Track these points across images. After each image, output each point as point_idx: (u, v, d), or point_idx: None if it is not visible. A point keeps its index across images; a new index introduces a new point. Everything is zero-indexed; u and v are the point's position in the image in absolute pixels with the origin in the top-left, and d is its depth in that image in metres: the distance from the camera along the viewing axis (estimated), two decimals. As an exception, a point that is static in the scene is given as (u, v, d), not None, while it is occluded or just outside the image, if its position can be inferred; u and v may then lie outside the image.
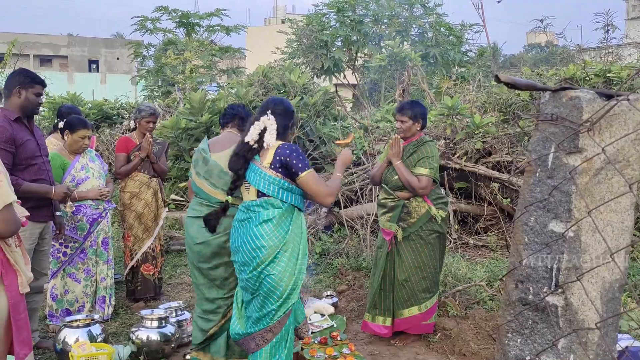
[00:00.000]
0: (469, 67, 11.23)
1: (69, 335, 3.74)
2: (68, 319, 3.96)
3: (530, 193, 2.02)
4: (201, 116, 7.73)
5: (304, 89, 8.32)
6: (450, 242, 6.36)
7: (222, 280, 3.47)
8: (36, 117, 10.18)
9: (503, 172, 6.56)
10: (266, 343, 3.05)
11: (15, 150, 3.53)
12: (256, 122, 3.07)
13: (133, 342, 3.87)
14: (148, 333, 3.86)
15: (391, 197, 4.18)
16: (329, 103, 8.64)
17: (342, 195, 6.89)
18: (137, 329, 3.93)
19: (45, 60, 41.77)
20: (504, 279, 2.72)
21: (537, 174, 2.00)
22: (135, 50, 15.35)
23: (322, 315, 4.62)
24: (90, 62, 42.43)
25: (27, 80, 3.67)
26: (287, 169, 2.98)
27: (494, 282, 4.95)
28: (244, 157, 3.05)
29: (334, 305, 4.87)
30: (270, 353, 3.05)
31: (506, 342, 2.05)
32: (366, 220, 6.38)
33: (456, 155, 6.70)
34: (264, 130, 3.05)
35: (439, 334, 4.27)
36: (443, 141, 6.90)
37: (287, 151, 2.97)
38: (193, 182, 3.59)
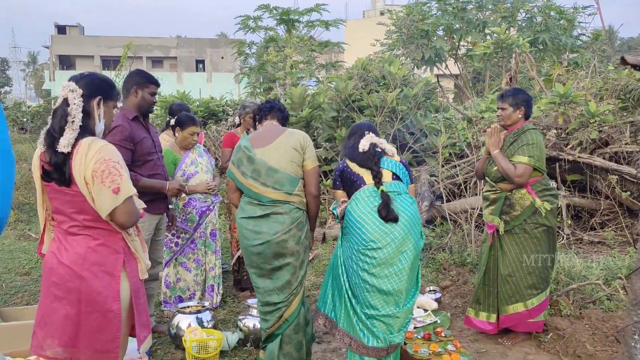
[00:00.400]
0: (582, 52, 10.53)
1: (182, 321, 3.94)
2: (181, 305, 4.17)
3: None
4: (301, 111, 7.84)
5: (404, 81, 8.19)
6: (563, 238, 6.01)
7: (284, 283, 3.30)
8: (150, 115, 10.85)
9: (622, 164, 6.09)
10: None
11: (133, 148, 3.72)
12: (362, 140, 3.40)
13: (240, 330, 4.00)
14: (254, 321, 3.97)
15: (493, 189, 4.02)
16: (430, 94, 8.46)
17: (444, 188, 6.73)
18: (244, 317, 4.07)
19: (156, 62, 44.40)
20: (628, 277, 2.52)
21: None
22: (238, 49, 15.87)
23: (425, 310, 4.53)
24: (197, 62, 44.56)
25: (143, 80, 3.87)
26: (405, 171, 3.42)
27: (611, 281, 4.60)
28: (373, 155, 3.34)
29: (437, 300, 4.76)
30: None
31: (632, 344, 1.89)
32: (470, 214, 6.18)
33: (569, 146, 6.31)
34: (372, 144, 3.39)
35: (551, 334, 4.05)
36: (554, 131, 6.52)
37: (406, 164, 3.47)
38: (237, 182, 3.37)
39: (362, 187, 3.26)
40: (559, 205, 5.02)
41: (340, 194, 3.39)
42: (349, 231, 3.25)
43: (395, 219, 3.13)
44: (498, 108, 4.04)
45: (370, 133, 3.44)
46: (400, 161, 3.42)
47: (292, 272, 3.30)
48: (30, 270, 5.85)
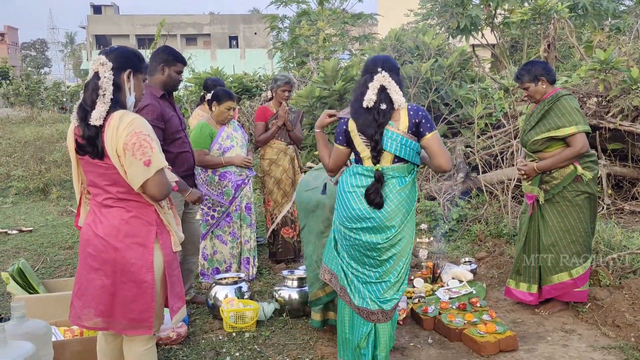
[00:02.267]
0: (625, 17, 10.11)
1: (220, 292, 4.03)
2: (218, 276, 4.26)
3: None
4: (334, 84, 7.79)
5: (438, 51, 8.05)
6: (603, 208, 5.88)
7: None
8: (184, 92, 10.93)
9: (666, 131, 5.88)
10: (388, 319, 3.08)
11: (164, 126, 3.70)
12: (370, 83, 2.94)
13: (276, 300, 4.07)
14: (290, 292, 4.03)
15: (531, 159, 3.95)
16: (465, 64, 8.29)
17: (480, 159, 6.63)
18: (279, 288, 4.13)
19: (190, 40, 44.70)
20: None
21: None
22: (271, 24, 15.80)
23: (460, 281, 4.51)
24: (231, 38, 44.68)
25: (170, 57, 3.79)
26: (417, 129, 2.94)
27: (653, 251, 4.49)
28: (375, 121, 2.91)
29: (473, 272, 4.74)
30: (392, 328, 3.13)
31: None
32: (507, 185, 6.08)
33: (610, 114, 6.12)
34: (382, 89, 2.92)
35: (589, 304, 4.00)
36: (595, 99, 6.33)
37: (420, 112, 2.94)
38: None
39: (359, 164, 3.04)
40: (599, 174, 4.90)
41: (342, 151, 3.08)
42: (337, 199, 3.11)
43: (378, 206, 2.93)
44: (521, 88, 3.96)
45: (382, 72, 2.93)
46: (410, 122, 2.92)
47: None
48: (73, 244, 6.04)
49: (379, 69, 2.94)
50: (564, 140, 3.78)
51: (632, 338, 3.57)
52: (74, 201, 8.14)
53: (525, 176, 3.98)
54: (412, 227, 3.10)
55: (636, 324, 3.67)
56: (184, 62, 3.88)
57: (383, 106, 2.91)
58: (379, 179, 2.93)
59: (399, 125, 2.94)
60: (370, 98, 2.91)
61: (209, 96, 4.75)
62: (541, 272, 3.98)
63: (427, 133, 2.92)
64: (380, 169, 2.95)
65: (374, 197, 2.92)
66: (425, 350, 3.57)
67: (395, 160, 2.96)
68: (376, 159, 2.95)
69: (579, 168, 3.77)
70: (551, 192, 3.85)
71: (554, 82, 3.94)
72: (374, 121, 2.91)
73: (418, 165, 3.07)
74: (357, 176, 3.02)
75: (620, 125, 6.00)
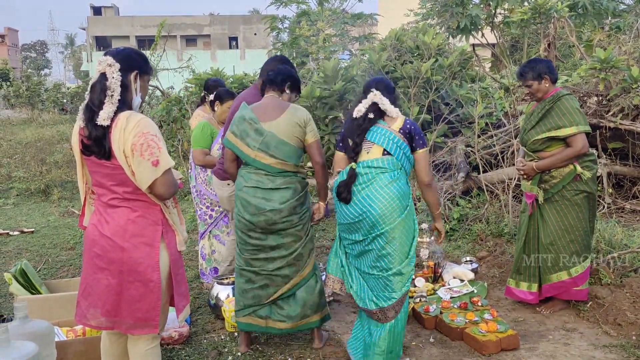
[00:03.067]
0: (625, 15, 10.11)
1: (221, 292, 4.04)
2: (219, 276, 4.26)
3: None
4: (335, 84, 7.80)
5: (438, 51, 8.04)
6: (604, 207, 5.88)
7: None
8: (184, 93, 10.93)
9: (666, 130, 5.88)
10: (390, 319, 3.10)
11: None
12: (363, 100, 3.20)
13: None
14: (291, 292, 4.04)
15: (531, 159, 3.95)
16: (466, 64, 8.28)
17: (481, 159, 6.63)
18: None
19: (190, 40, 44.72)
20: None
21: None
22: (270, 24, 15.81)
23: (462, 280, 4.52)
24: (231, 39, 44.67)
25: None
26: (409, 140, 3.15)
27: (654, 250, 4.50)
28: (359, 126, 3.16)
29: (474, 271, 4.74)
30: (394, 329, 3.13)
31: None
32: (508, 184, 6.09)
33: (610, 113, 6.12)
34: (373, 105, 3.17)
35: (590, 302, 4.01)
36: (595, 98, 6.33)
37: (414, 127, 3.18)
38: (240, 153, 3.40)
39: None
40: (599, 173, 4.91)
41: (341, 156, 3.29)
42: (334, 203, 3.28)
43: (345, 201, 3.09)
44: (522, 86, 3.96)
45: (375, 91, 3.20)
46: (403, 126, 3.15)
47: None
48: (75, 245, 6.06)
49: (373, 90, 3.20)
50: (564, 140, 3.79)
51: (633, 336, 3.58)
52: (75, 202, 8.17)
53: (524, 176, 3.99)
54: (411, 224, 3.13)
55: (637, 322, 3.68)
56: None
57: (371, 115, 3.16)
58: (351, 177, 3.10)
59: (391, 125, 3.16)
60: (359, 109, 3.19)
61: (211, 97, 4.76)
62: (540, 271, 3.98)
63: (419, 149, 3.18)
64: (355, 167, 3.11)
65: (343, 192, 3.10)
66: (427, 349, 3.58)
67: (385, 153, 3.12)
68: (354, 159, 3.16)
69: (578, 167, 3.78)
70: (550, 192, 3.86)
71: (556, 81, 3.95)
72: (358, 126, 3.17)
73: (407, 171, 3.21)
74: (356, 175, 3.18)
75: (620, 124, 6.00)
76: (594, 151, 4.17)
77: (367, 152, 3.16)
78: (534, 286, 4.01)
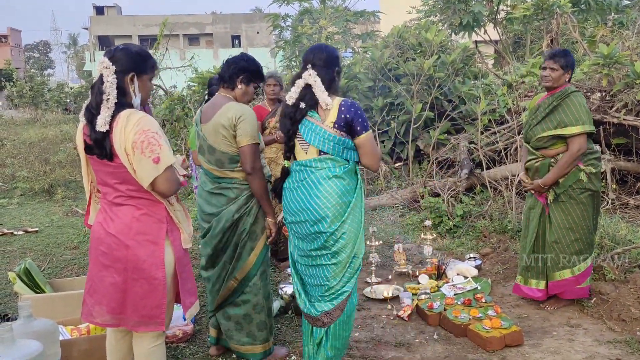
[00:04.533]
0: (628, 11, 10.08)
1: (225, 290, 4.03)
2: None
3: None
4: (338, 81, 7.80)
5: (441, 48, 8.04)
6: (608, 203, 5.87)
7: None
8: (187, 91, 10.94)
9: (670, 125, 5.87)
10: (332, 321, 2.94)
11: None
12: (297, 80, 2.90)
13: (282, 298, 4.08)
14: (295, 290, 4.04)
15: (535, 157, 3.94)
16: (468, 60, 8.29)
17: (484, 155, 6.63)
18: (284, 285, 4.14)
19: (193, 39, 44.71)
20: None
21: None
22: (273, 23, 15.80)
23: (465, 277, 4.51)
24: (233, 37, 44.66)
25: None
26: (350, 127, 2.85)
27: (659, 245, 4.49)
28: (290, 119, 2.90)
29: (478, 267, 4.74)
30: (337, 331, 2.97)
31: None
32: (511, 181, 6.08)
33: (613, 109, 6.10)
34: (307, 87, 2.87)
35: (594, 298, 3.99)
36: (599, 94, 6.31)
37: (352, 109, 2.84)
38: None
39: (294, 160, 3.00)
40: (602, 169, 4.89)
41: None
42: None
43: (278, 198, 3.02)
44: (545, 68, 3.84)
45: (310, 70, 2.86)
46: (338, 118, 2.81)
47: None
48: (79, 244, 6.07)
49: (308, 67, 2.88)
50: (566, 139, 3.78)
51: (637, 332, 3.57)
52: (79, 201, 8.19)
53: (533, 191, 3.98)
54: (356, 223, 2.91)
55: (642, 318, 3.67)
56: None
57: (302, 105, 2.87)
58: (283, 175, 3.01)
59: (324, 118, 2.86)
60: (290, 96, 2.91)
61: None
62: (546, 269, 3.97)
63: (361, 133, 2.85)
64: (287, 165, 3.00)
65: (276, 188, 3.03)
66: (431, 345, 3.58)
67: (321, 153, 2.88)
68: (286, 155, 2.99)
69: (584, 173, 3.77)
70: (556, 191, 3.85)
71: (569, 81, 3.93)
72: (290, 117, 2.91)
73: (356, 162, 2.95)
74: (292, 173, 3.01)
75: (624, 119, 5.99)
76: (598, 148, 4.14)
77: (306, 153, 2.92)
78: (542, 283, 4.00)
